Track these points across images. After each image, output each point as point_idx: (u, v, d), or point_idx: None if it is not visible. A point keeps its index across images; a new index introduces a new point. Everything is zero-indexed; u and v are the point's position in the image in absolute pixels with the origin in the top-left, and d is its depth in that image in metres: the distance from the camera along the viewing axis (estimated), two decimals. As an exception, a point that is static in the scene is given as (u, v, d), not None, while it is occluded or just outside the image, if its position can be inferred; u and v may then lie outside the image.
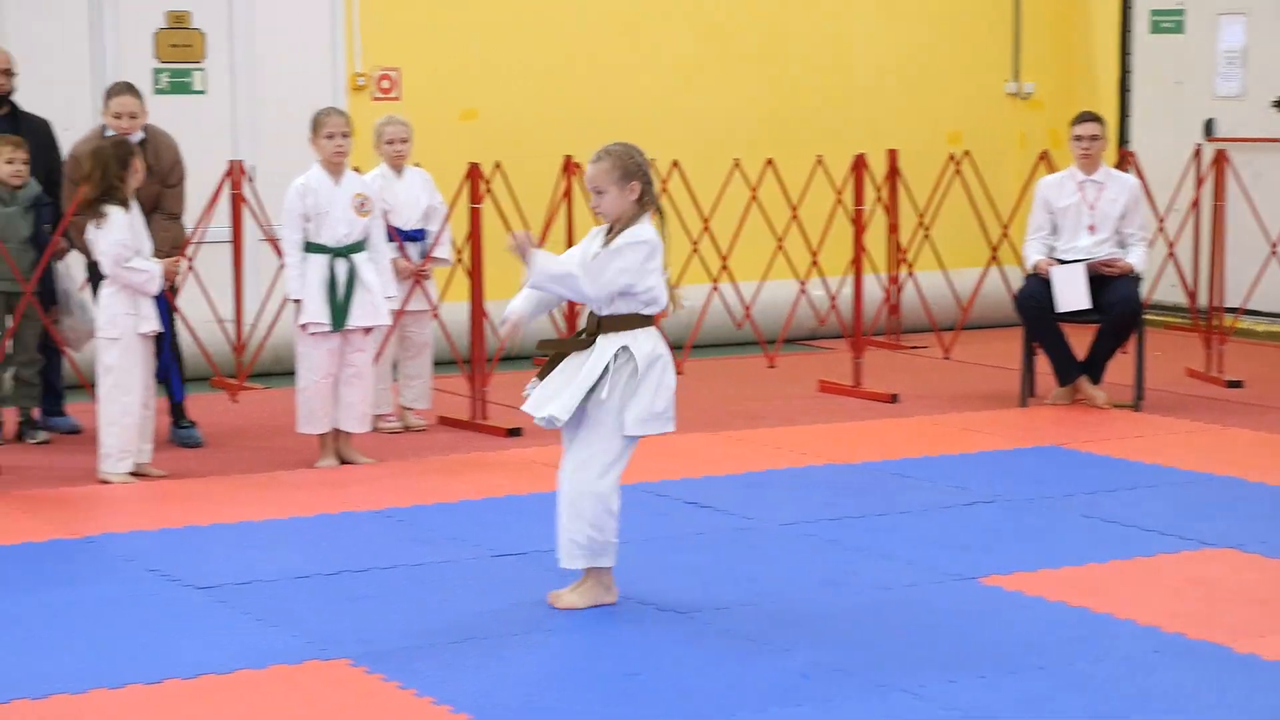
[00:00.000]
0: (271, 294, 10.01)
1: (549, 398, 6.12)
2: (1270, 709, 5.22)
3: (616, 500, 6.13)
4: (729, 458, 8.91)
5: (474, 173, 9.70)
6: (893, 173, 12.15)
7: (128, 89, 9.06)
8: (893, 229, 12.38)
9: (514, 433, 9.43)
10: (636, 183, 6.11)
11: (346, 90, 12.04)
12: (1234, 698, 5.31)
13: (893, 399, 10.50)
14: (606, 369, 6.07)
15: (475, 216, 9.64)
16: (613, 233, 6.17)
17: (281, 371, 10.83)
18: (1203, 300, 11.61)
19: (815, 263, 11.40)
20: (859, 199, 10.75)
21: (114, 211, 8.27)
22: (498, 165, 10.81)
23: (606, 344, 6.12)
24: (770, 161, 11.47)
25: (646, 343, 6.15)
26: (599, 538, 6.10)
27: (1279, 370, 11.68)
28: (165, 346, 8.87)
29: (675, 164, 11.32)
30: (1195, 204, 11.46)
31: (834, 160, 11.90)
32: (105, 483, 8.32)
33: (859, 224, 10.78)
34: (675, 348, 11.30)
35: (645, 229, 6.15)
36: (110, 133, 8.90)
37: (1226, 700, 5.29)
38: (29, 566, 6.93)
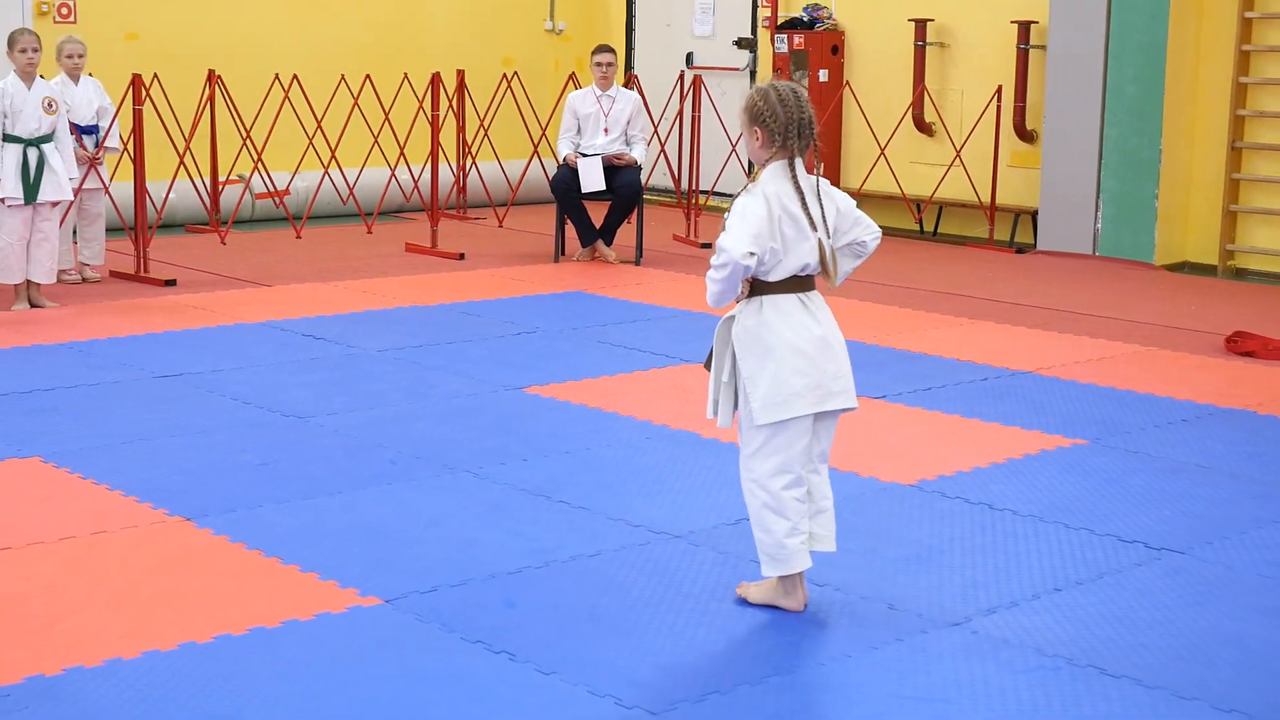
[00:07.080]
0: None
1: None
2: (717, 471, 5.42)
3: (776, 495, 4.13)
4: (336, 301, 8.77)
5: (136, 82, 9.24)
6: (460, 87, 12.04)
7: None
8: (460, 129, 12.32)
9: (170, 283, 9.10)
10: (757, 128, 4.10)
11: (33, 15, 11.23)
12: (700, 466, 5.52)
13: (461, 257, 10.47)
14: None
15: (138, 117, 9.19)
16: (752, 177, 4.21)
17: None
18: (685, 185, 11.89)
19: (402, 154, 11.28)
20: (435, 106, 10.65)
21: None
22: (155, 76, 10.37)
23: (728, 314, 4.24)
24: (368, 77, 11.25)
25: (749, 316, 4.14)
26: (767, 539, 4.15)
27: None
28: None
29: (295, 77, 10.99)
30: (680, 114, 11.70)
31: (416, 77, 11.78)
32: None
33: (435, 125, 10.69)
34: (296, 218, 11.25)
35: (754, 183, 4.11)
36: None
37: (697, 468, 5.50)
38: None
